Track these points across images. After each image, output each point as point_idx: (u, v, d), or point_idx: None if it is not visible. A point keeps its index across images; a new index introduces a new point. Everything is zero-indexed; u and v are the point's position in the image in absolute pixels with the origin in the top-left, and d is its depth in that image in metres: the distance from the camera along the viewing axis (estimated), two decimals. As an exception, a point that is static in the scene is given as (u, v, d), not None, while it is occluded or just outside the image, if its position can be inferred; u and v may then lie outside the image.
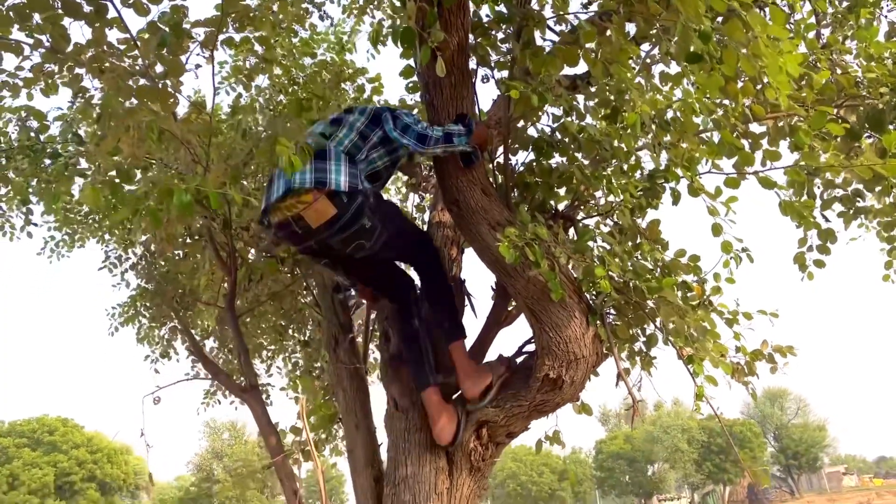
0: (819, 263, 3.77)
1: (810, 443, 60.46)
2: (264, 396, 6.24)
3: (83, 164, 5.12)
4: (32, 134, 5.07)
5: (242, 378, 3.81)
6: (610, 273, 2.78)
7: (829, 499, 44.78)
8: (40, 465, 43.27)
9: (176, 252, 5.55)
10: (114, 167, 2.66)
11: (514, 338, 3.46)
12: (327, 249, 2.91)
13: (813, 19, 4.01)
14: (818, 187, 3.78)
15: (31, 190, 5.45)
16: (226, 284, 3.77)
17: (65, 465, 44.01)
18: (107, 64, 3.53)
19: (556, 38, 3.20)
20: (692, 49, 2.54)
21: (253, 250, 4.22)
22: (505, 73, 3.35)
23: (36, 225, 5.61)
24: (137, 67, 3.60)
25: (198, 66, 3.72)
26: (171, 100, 3.42)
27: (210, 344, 6.47)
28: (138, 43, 3.42)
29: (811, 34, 3.83)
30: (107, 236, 6.69)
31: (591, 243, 3.24)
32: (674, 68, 3.27)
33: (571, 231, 3.42)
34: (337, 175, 2.77)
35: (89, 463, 45.20)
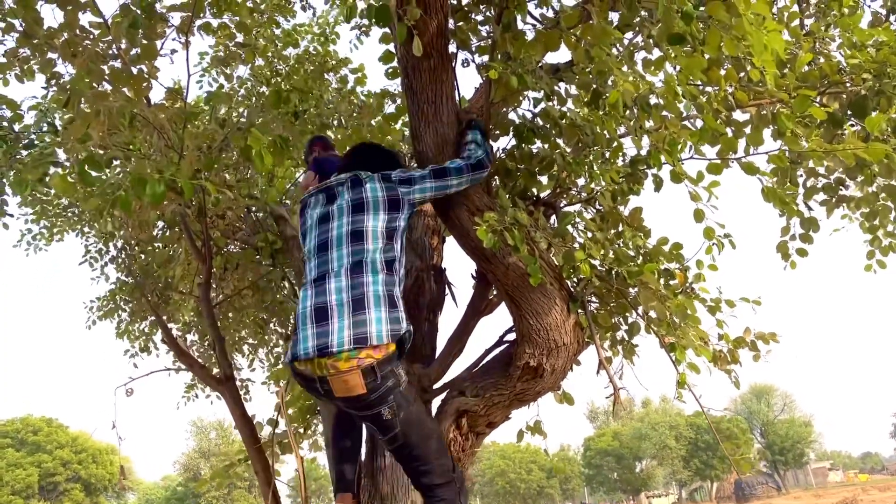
0: (802, 252, 3.74)
1: (796, 439, 60.90)
2: (243, 392, 6.18)
3: (59, 154, 5.03)
4: (6, 123, 4.98)
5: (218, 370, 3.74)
6: (591, 257, 2.73)
7: (814, 494, 45.09)
8: (24, 466, 42.90)
9: (155, 245, 5.48)
10: (84, 153, 2.57)
11: (494, 327, 3.41)
12: None
13: (796, 7, 3.99)
14: (801, 175, 3.75)
15: (5, 181, 5.36)
16: (202, 274, 3.69)
17: (49, 465, 43.65)
18: (80, 48, 3.46)
19: (538, 22, 3.16)
20: (675, 31, 2.50)
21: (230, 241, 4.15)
22: (485, 58, 3.30)
23: (11, 216, 5.50)
24: (111, 52, 3.54)
25: (173, 51, 3.65)
26: (145, 84, 3.36)
27: (190, 338, 6.39)
28: (111, 26, 3.35)
29: (795, 23, 3.81)
30: (86, 229, 6.60)
31: (572, 231, 3.20)
32: (656, 55, 3.24)
33: (553, 219, 3.37)
34: (378, 324, 2.39)
35: (74, 463, 44.87)
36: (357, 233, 2.59)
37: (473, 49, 3.29)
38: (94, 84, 3.09)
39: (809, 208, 3.73)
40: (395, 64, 3.58)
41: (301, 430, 3.72)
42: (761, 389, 65.48)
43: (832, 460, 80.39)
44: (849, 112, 3.38)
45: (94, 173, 2.54)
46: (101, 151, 2.87)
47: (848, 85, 3.43)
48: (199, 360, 4.99)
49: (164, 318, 5.36)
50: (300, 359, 2.42)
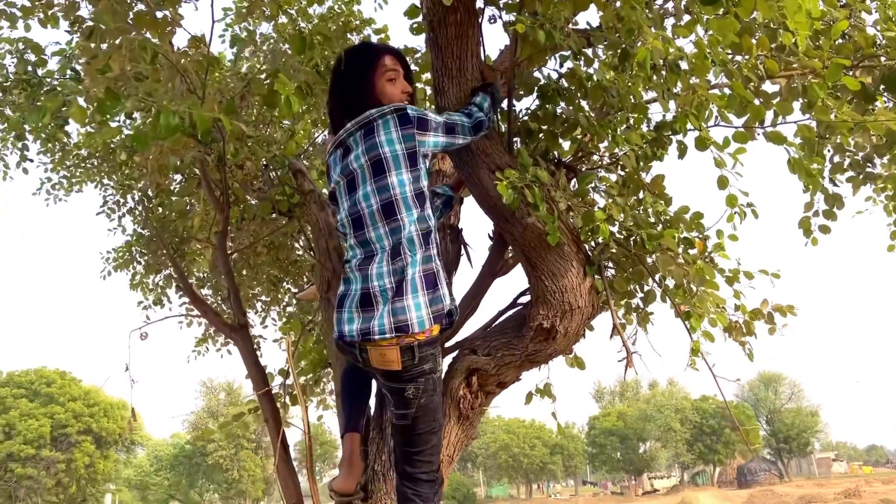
0: (824, 229, 3.69)
1: (802, 428, 60.97)
2: (255, 349, 6.23)
3: (81, 101, 5.03)
4: (30, 68, 4.98)
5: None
6: (611, 218, 2.71)
7: (817, 483, 45.20)
8: (37, 416, 43.72)
9: (172, 198, 5.49)
10: (104, 86, 2.56)
11: (508, 289, 3.40)
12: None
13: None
14: (829, 150, 3.69)
15: (27, 126, 5.38)
16: (219, 224, 3.70)
17: (61, 417, 44.46)
18: (104, -10, 3.43)
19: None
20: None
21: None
22: (513, 17, 3.25)
23: (31, 161, 5.53)
24: (135, -6, 3.51)
25: (197, -3, 3.61)
26: (168, 29, 3.34)
27: (205, 292, 6.44)
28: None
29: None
30: (105, 181, 6.63)
31: (593, 194, 3.17)
32: (686, 21, 3.18)
33: (574, 182, 3.34)
34: (418, 310, 2.34)
35: (86, 416, 45.67)
36: (388, 207, 2.42)
37: (501, 5, 3.23)
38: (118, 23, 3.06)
39: (835, 184, 3.67)
40: (419, 19, 3.54)
41: (312, 382, 3.75)
42: (770, 377, 65.45)
43: (837, 451, 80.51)
44: (882, 87, 3.31)
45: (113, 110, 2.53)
46: (121, 88, 2.85)
47: (882, 59, 3.36)
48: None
49: (179, 267, 5.38)
50: (345, 339, 2.42)
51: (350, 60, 2.74)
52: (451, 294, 2.49)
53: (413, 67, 4.38)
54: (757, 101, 3.08)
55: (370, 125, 2.50)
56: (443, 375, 2.55)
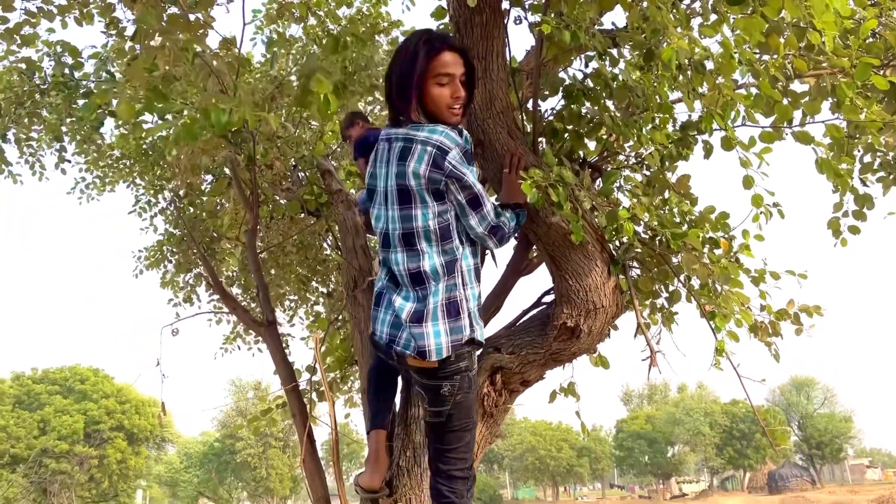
0: (854, 230, 3.65)
1: (835, 433, 59.81)
2: (283, 346, 6.32)
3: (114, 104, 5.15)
4: (67, 70, 5.11)
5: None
6: (635, 217, 2.71)
7: (850, 490, 44.36)
8: (70, 413, 44.52)
9: (203, 198, 5.60)
10: (148, 85, 2.63)
11: (533, 288, 3.42)
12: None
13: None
14: (859, 150, 3.65)
15: (64, 127, 5.52)
16: (248, 223, 3.78)
17: (94, 413, 45.23)
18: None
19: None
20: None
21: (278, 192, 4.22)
22: (538, 18, 3.27)
23: (69, 162, 5.67)
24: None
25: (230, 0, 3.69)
26: (201, 31, 3.42)
27: (234, 291, 6.54)
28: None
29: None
30: (137, 181, 6.76)
31: (618, 194, 3.18)
32: (713, 20, 3.17)
33: (599, 182, 3.35)
34: (437, 337, 2.33)
35: (118, 413, 46.41)
36: (408, 237, 2.39)
37: (526, 6, 3.25)
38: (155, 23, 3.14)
39: (865, 184, 3.63)
40: (446, 20, 3.57)
41: (339, 379, 3.80)
42: (802, 382, 64.36)
43: (871, 458, 78.88)
44: (913, 86, 3.26)
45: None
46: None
47: (914, 58, 3.32)
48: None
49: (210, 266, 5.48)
50: (376, 337, 2.47)
51: (406, 50, 2.46)
52: (476, 321, 2.45)
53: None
54: (785, 101, 3.06)
55: (410, 147, 2.38)
56: (474, 375, 2.54)
